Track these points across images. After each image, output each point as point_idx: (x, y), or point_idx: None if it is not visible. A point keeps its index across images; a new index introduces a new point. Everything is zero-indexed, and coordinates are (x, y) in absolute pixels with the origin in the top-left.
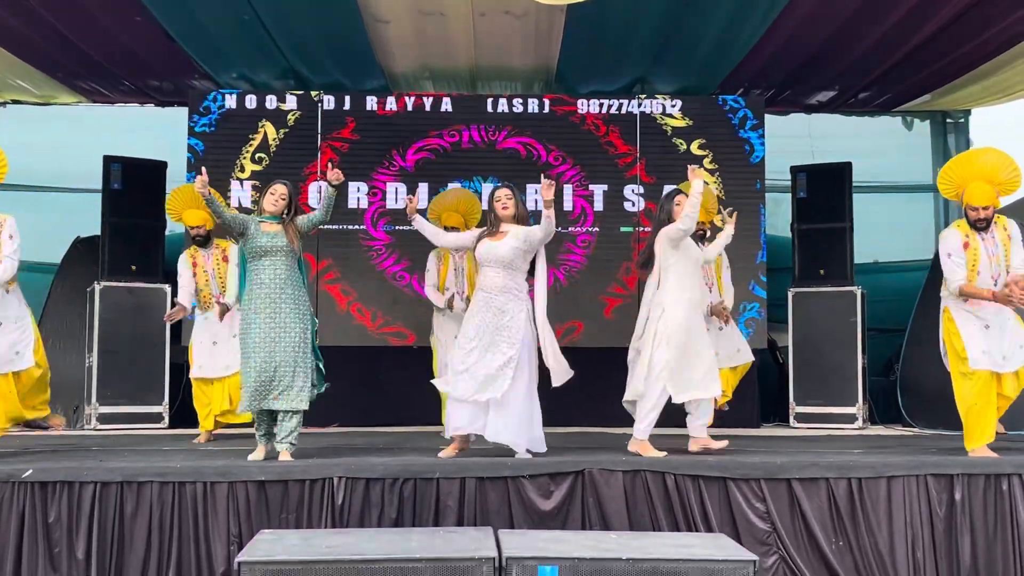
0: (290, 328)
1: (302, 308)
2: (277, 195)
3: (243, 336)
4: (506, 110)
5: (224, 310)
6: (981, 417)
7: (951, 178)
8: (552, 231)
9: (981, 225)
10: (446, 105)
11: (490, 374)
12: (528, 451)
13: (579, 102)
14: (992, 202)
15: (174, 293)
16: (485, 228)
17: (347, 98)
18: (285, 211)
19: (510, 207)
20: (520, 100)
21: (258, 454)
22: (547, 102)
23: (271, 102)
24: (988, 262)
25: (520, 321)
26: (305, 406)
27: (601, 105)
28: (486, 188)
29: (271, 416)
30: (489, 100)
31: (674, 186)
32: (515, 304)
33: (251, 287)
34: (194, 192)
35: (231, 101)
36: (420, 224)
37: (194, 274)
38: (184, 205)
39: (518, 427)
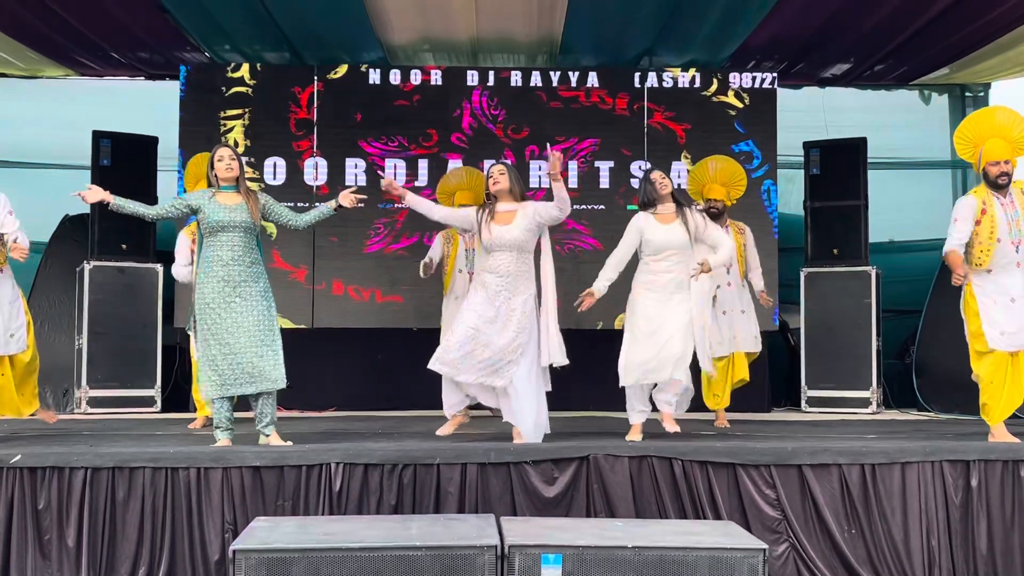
0: (255, 306)
1: (263, 284)
2: (227, 159)
3: (202, 318)
4: (509, 83)
5: None
6: (998, 392)
7: (967, 136)
8: (567, 207)
9: (1003, 181)
10: (447, 78)
11: (497, 359)
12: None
13: (584, 75)
14: (1011, 156)
15: (166, 273)
16: (482, 208)
17: (344, 71)
18: (239, 176)
19: (501, 182)
20: (523, 72)
21: (223, 444)
22: (552, 74)
23: (264, 74)
24: (1008, 227)
25: (529, 305)
26: (284, 384)
27: (607, 78)
28: (487, 165)
29: (232, 403)
30: (491, 72)
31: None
32: (525, 286)
33: (209, 265)
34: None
35: (221, 73)
36: (412, 201)
37: (192, 251)
38: (199, 174)
39: (525, 411)
